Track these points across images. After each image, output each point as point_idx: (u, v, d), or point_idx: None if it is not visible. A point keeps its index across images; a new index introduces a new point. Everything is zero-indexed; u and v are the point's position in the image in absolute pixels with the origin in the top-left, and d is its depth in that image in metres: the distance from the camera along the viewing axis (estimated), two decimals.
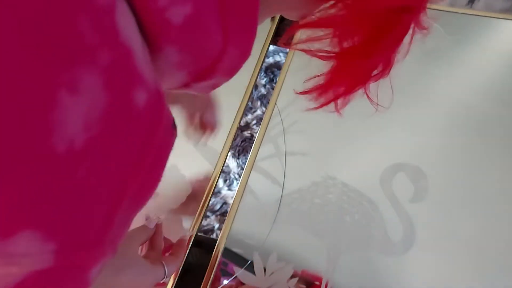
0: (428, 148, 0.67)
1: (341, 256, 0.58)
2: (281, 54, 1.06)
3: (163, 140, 0.23)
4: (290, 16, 0.33)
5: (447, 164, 0.65)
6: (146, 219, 0.47)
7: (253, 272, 0.58)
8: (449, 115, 0.71)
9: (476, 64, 0.77)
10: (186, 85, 0.27)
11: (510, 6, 0.82)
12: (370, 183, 0.64)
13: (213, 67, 0.25)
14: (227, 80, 0.29)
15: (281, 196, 0.64)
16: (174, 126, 0.24)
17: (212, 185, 0.66)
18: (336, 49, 0.30)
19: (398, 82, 0.75)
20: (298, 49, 0.31)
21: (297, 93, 0.35)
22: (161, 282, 0.46)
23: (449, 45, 0.79)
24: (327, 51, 0.31)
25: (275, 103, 0.73)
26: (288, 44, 0.37)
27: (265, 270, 0.58)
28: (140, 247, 0.46)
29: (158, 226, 0.49)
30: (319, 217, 0.62)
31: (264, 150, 0.69)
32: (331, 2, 0.27)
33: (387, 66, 0.35)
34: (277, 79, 0.80)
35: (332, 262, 0.58)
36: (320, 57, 0.31)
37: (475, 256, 0.57)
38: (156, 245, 0.49)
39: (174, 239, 0.61)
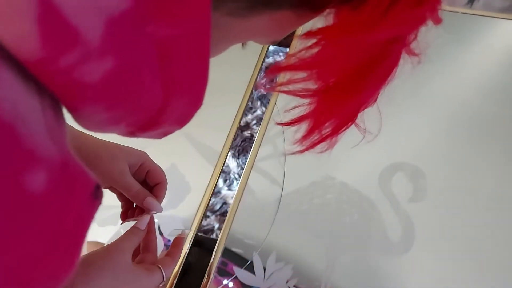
0: (427, 148, 0.67)
1: (340, 256, 0.58)
2: (281, 54, 1.07)
3: (79, 216, 0.20)
4: (259, 42, 0.30)
5: (446, 164, 0.65)
6: (138, 219, 0.43)
7: (253, 272, 0.58)
8: (448, 115, 0.71)
9: (475, 63, 0.77)
10: (131, 134, 0.25)
11: (509, 5, 0.82)
12: (369, 183, 0.64)
13: (157, 119, 0.23)
14: (180, 128, 0.26)
15: (281, 196, 0.64)
16: (95, 193, 0.21)
17: (212, 185, 0.67)
18: (321, 87, 0.27)
19: (397, 81, 0.75)
20: (281, 91, 0.29)
21: (280, 124, 0.33)
22: (160, 286, 0.45)
23: (448, 44, 0.79)
24: (311, 90, 0.28)
25: (275, 103, 0.73)
26: (271, 87, 0.32)
27: (264, 270, 0.58)
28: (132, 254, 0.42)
29: (150, 224, 0.45)
30: (319, 217, 0.62)
31: (264, 150, 0.69)
32: (313, 40, 0.24)
33: (375, 97, 0.32)
34: (277, 79, 0.80)
35: (331, 262, 0.58)
36: (304, 97, 0.29)
37: (473, 255, 0.58)
38: (151, 246, 0.45)
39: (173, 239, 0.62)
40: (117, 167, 0.43)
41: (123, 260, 0.40)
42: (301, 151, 0.33)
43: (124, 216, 0.47)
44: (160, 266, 0.43)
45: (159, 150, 0.71)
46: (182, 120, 0.25)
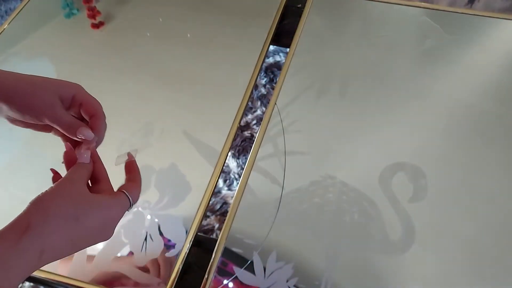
0: (428, 148, 0.67)
1: (341, 256, 0.58)
2: (281, 54, 1.07)
3: None
4: None
5: (446, 163, 0.65)
6: (78, 155, 0.40)
7: (253, 271, 0.58)
8: (449, 115, 0.71)
9: (475, 64, 0.77)
10: None
11: (509, 5, 0.82)
12: (369, 182, 0.64)
13: None
14: None
15: (281, 196, 0.64)
16: None
17: (212, 185, 0.67)
18: None
19: (397, 81, 0.75)
20: None
21: None
22: (130, 211, 0.42)
23: (448, 44, 0.79)
24: None
25: (275, 103, 0.73)
26: None
27: (265, 270, 0.58)
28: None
29: (93, 155, 0.42)
30: (319, 217, 0.62)
31: (264, 150, 0.69)
32: None
33: None
34: (277, 79, 0.80)
35: (332, 261, 0.58)
36: None
37: (474, 255, 0.58)
38: (101, 175, 0.42)
39: (174, 239, 0.62)
40: (46, 100, 0.40)
41: (79, 189, 0.37)
42: None
43: (66, 156, 0.42)
44: (125, 191, 0.41)
45: (159, 149, 0.71)
46: None
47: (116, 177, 0.68)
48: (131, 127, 0.74)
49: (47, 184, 0.68)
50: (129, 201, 0.40)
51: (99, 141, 0.44)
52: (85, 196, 0.37)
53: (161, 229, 0.62)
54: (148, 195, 0.65)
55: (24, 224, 0.33)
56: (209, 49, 0.83)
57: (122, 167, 0.69)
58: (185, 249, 0.60)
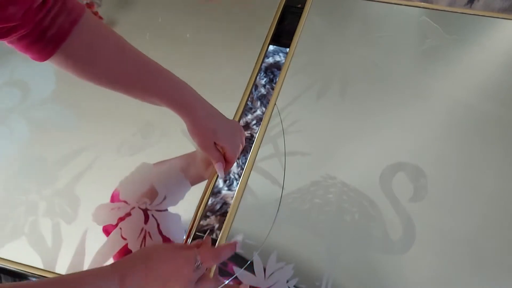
0: (428, 148, 0.67)
1: (341, 256, 0.58)
2: (281, 54, 1.07)
3: None
4: None
5: (447, 163, 0.65)
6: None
7: (253, 272, 0.58)
8: (449, 115, 0.71)
9: (475, 64, 0.77)
10: None
11: (509, 5, 0.82)
12: (370, 182, 0.64)
13: None
14: None
15: (281, 196, 0.64)
16: None
17: (211, 184, 0.67)
18: None
19: (398, 81, 0.75)
20: None
21: None
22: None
23: (448, 44, 0.79)
24: None
25: (275, 103, 0.73)
26: None
27: (265, 270, 0.58)
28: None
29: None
30: (319, 217, 0.62)
31: (264, 150, 0.69)
32: None
33: None
34: (277, 79, 0.80)
35: (332, 262, 0.58)
36: None
37: (474, 255, 0.58)
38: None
39: (173, 237, 0.61)
40: (207, 141, 0.60)
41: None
42: None
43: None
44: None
45: (158, 149, 0.71)
46: None
47: (118, 177, 0.67)
48: (131, 127, 0.74)
49: (47, 185, 0.68)
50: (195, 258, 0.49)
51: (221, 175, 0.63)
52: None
53: (160, 227, 0.62)
54: (147, 193, 0.65)
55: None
56: (208, 49, 0.83)
57: (122, 167, 0.69)
58: None
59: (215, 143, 0.59)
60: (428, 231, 0.59)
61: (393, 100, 0.73)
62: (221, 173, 0.61)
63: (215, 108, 0.59)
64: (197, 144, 0.58)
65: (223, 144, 0.59)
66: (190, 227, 0.62)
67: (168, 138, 0.72)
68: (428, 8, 0.85)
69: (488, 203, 0.61)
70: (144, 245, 0.60)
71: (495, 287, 0.55)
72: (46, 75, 0.82)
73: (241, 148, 0.64)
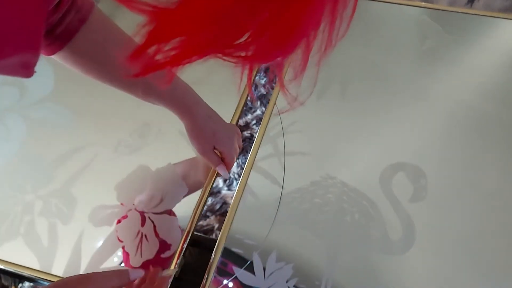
0: (428, 148, 0.67)
1: (341, 256, 0.58)
2: None
3: None
4: None
5: (447, 163, 0.65)
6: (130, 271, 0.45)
7: (252, 272, 0.57)
8: (449, 115, 0.70)
9: (475, 64, 0.76)
10: None
11: (509, 5, 0.82)
12: (369, 182, 0.64)
13: None
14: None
15: (281, 196, 0.63)
16: None
17: (209, 185, 0.66)
18: None
19: (398, 81, 0.75)
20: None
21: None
22: None
23: (448, 44, 0.79)
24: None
25: (275, 103, 0.73)
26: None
27: (264, 270, 0.57)
28: None
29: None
30: (319, 217, 0.61)
31: (263, 150, 0.68)
32: None
33: (262, 37, 0.21)
34: (277, 79, 0.80)
35: (332, 261, 0.57)
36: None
37: (474, 255, 0.57)
38: None
39: (169, 239, 0.61)
40: (206, 145, 0.60)
41: None
42: (135, 75, 0.23)
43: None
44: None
45: (156, 149, 0.71)
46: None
47: (115, 177, 0.67)
48: (128, 127, 0.73)
49: (43, 184, 0.67)
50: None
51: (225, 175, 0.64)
52: None
53: (156, 230, 0.62)
54: (144, 195, 0.65)
55: None
56: None
57: (119, 166, 0.69)
58: (181, 250, 0.59)
59: (213, 147, 0.59)
60: (428, 231, 0.59)
61: (393, 100, 0.73)
62: (225, 174, 0.62)
63: (214, 111, 0.59)
64: (196, 148, 0.58)
65: (222, 148, 0.60)
66: (188, 228, 0.62)
67: (165, 137, 0.72)
68: (429, 8, 0.84)
69: (488, 204, 0.61)
70: (141, 248, 0.60)
71: (495, 287, 0.55)
72: (44, 74, 0.82)
73: (238, 151, 0.64)
